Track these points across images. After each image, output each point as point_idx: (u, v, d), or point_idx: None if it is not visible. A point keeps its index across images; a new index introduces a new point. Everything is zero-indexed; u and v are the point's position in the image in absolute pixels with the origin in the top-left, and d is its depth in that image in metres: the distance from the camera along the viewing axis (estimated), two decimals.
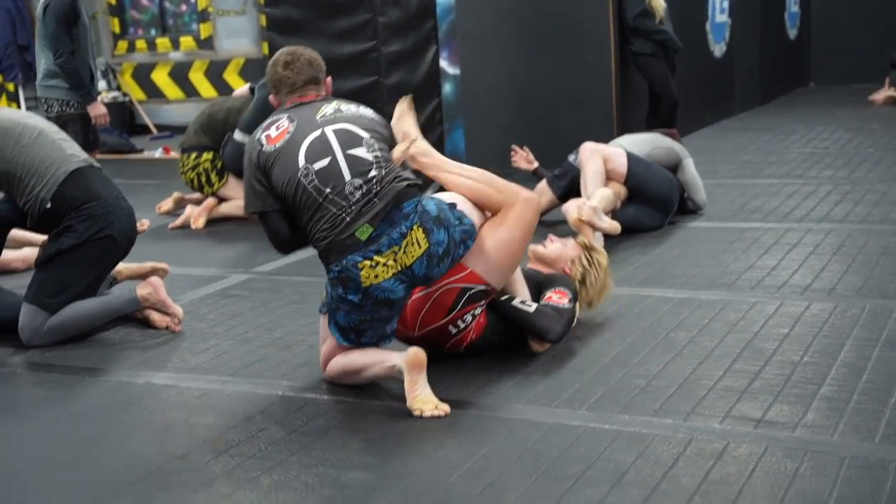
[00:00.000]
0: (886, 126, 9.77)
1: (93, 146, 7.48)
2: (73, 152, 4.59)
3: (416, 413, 3.37)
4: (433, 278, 3.62)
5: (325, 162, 3.56)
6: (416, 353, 3.43)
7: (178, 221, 7.19)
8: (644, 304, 4.56)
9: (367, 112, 3.84)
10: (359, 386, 3.73)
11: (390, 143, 3.79)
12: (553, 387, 3.66)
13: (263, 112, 7.03)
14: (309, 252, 6.09)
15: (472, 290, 3.74)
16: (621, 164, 5.97)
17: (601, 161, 5.93)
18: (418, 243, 3.51)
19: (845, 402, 3.36)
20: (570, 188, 6.25)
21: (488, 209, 3.84)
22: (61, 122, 7.34)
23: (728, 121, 11.10)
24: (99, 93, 7.51)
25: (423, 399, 3.40)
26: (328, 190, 3.53)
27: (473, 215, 3.77)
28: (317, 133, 3.63)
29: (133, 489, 3.03)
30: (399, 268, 3.49)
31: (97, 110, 7.14)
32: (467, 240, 3.66)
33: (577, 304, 4.11)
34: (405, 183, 3.59)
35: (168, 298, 4.67)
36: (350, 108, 3.81)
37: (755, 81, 12.33)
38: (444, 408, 3.40)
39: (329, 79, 3.95)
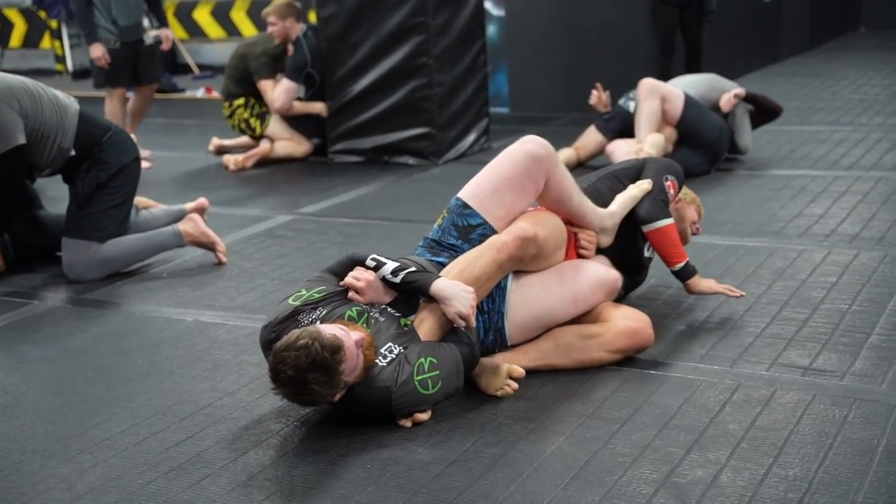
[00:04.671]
0: None
1: (137, 80, 7.52)
2: (63, 96, 4.62)
3: None
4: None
5: None
6: None
7: (251, 154, 7.22)
8: (690, 250, 4.50)
9: None
10: None
11: None
12: None
13: (305, 60, 7.05)
14: (354, 194, 6.17)
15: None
16: (677, 107, 5.92)
17: (659, 102, 5.88)
18: None
19: (894, 352, 3.34)
20: (620, 132, 6.22)
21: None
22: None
23: (775, 66, 10.93)
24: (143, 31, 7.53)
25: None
26: None
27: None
28: None
29: (185, 424, 3.09)
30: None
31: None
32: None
33: None
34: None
35: (209, 229, 4.80)
36: None
37: (803, 26, 12.11)
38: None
39: None
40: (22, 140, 4.35)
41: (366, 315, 3.06)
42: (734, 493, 2.52)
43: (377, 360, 2.94)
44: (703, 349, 3.45)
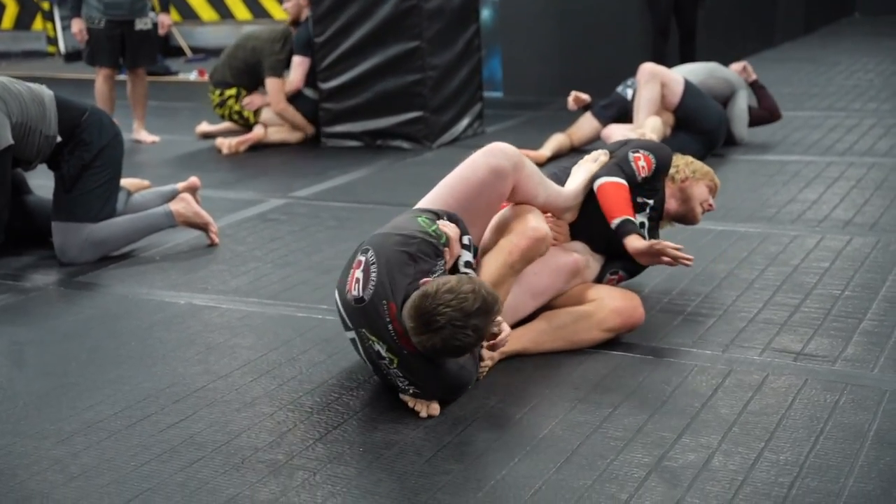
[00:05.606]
0: None
1: (131, 63, 7.45)
2: (35, 85, 4.60)
3: None
4: None
5: None
6: None
7: (245, 138, 7.20)
8: (683, 235, 4.53)
9: None
10: None
11: None
12: None
13: (309, 36, 7.06)
14: (347, 178, 6.15)
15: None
16: (675, 93, 5.93)
17: (659, 87, 5.88)
18: None
19: (886, 337, 3.35)
20: (616, 119, 6.21)
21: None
22: (90, 35, 7.33)
23: (769, 52, 10.92)
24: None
25: None
26: None
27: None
28: None
29: (178, 406, 3.08)
30: None
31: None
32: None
33: None
34: None
35: (201, 209, 4.81)
36: None
37: (798, 11, 12.10)
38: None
39: None
40: (10, 140, 4.33)
41: None
42: (725, 477, 2.53)
43: None
44: (695, 334, 3.46)
